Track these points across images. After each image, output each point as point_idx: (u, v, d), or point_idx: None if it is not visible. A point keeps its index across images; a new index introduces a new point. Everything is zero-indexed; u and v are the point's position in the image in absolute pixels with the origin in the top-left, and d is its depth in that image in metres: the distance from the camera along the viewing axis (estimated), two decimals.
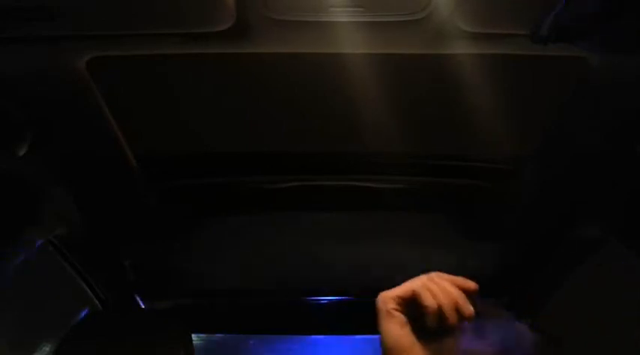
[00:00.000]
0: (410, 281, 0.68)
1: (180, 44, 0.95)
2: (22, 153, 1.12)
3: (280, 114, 1.25)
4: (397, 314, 0.65)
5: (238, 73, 1.11)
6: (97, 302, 1.69)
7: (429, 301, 0.64)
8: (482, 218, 1.61)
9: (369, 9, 0.87)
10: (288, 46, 0.97)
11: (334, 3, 0.85)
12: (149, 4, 0.85)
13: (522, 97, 1.14)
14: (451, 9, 0.86)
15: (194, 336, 1.44)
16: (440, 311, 0.64)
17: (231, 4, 0.84)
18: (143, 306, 1.87)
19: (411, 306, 0.66)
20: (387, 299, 0.66)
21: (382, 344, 0.65)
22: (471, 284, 0.67)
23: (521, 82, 1.11)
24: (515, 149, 1.32)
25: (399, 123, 1.21)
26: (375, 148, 1.36)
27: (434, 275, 0.68)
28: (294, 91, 1.17)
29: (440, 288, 0.66)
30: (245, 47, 0.97)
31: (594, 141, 1.20)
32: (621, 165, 1.20)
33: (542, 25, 0.82)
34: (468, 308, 0.65)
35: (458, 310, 0.65)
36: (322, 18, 0.88)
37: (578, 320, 1.56)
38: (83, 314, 1.65)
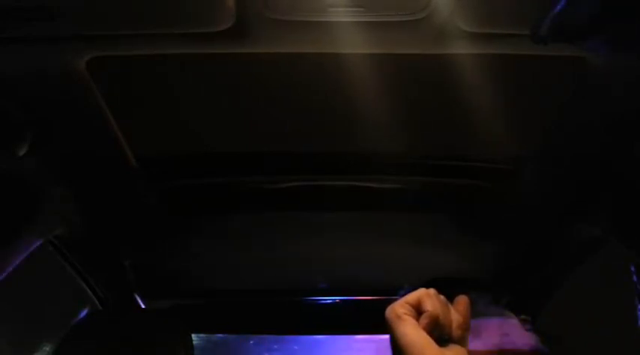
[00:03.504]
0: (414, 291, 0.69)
1: (180, 44, 0.95)
2: (22, 153, 1.12)
3: (280, 114, 1.25)
4: (407, 317, 0.65)
5: (238, 73, 1.11)
6: (97, 302, 1.70)
7: (430, 306, 0.66)
8: (483, 218, 1.61)
9: (369, 9, 0.87)
10: (288, 46, 0.97)
11: (334, 3, 0.85)
12: (149, 4, 0.85)
13: (522, 97, 1.14)
14: (451, 9, 0.86)
15: (194, 336, 1.44)
16: (437, 321, 0.65)
17: (231, 4, 0.84)
18: (143, 306, 1.87)
19: (417, 313, 0.67)
20: (395, 306, 0.67)
21: (396, 346, 0.65)
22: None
23: (521, 82, 1.11)
24: (515, 149, 1.32)
25: (399, 123, 1.21)
26: (376, 148, 1.36)
27: (434, 291, 0.69)
28: (295, 91, 1.17)
29: (440, 301, 0.68)
30: (245, 47, 0.97)
31: (594, 141, 1.20)
32: (621, 165, 1.20)
33: (542, 25, 0.82)
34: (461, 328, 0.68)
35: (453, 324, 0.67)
36: (322, 18, 0.88)
37: (578, 320, 1.56)
38: (83, 314, 1.65)
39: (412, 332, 0.64)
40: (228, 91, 1.18)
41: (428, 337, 0.64)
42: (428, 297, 0.67)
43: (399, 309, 0.66)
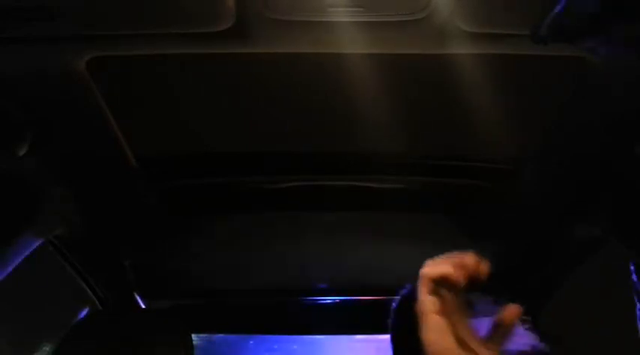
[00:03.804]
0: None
1: (180, 44, 0.95)
2: (22, 153, 1.12)
3: (280, 114, 1.25)
4: (436, 318, 0.65)
5: (238, 73, 1.11)
6: (97, 302, 1.70)
7: (447, 269, 0.67)
8: (483, 218, 1.61)
9: (369, 9, 0.87)
10: (288, 46, 0.97)
11: (334, 3, 0.85)
12: (149, 4, 0.85)
13: (522, 97, 1.14)
14: (451, 9, 0.86)
15: (194, 336, 1.44)
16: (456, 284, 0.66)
17: (231, 4, 0.84)
18: (143, 306, 1.87)
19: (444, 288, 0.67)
20: (421, 298, 0.66)
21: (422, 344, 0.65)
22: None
23: (521, 82, 1.11)
24: (515, 149, 1.32)
25: (399, 123, 1.21)
26: (376, 148, 1.36)
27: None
28: (295, 91, 1.17)
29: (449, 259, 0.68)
30: (245, 47, 0.97)
31: (594, 141, 1.20)
32: (621, 165, 1.21)
33: (542, 25, 0.82)
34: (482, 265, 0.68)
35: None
36: (322, 18, 0.88)
37: (578, 320, 1.56)
38: (83, 314, 1.65)
39: (436, 336, 0.64)
40: (228, 91, 1.18)
41: (454, 342, 0.63)
42: (443, 266, 0.67)
43: (428, 305, 0.65)
